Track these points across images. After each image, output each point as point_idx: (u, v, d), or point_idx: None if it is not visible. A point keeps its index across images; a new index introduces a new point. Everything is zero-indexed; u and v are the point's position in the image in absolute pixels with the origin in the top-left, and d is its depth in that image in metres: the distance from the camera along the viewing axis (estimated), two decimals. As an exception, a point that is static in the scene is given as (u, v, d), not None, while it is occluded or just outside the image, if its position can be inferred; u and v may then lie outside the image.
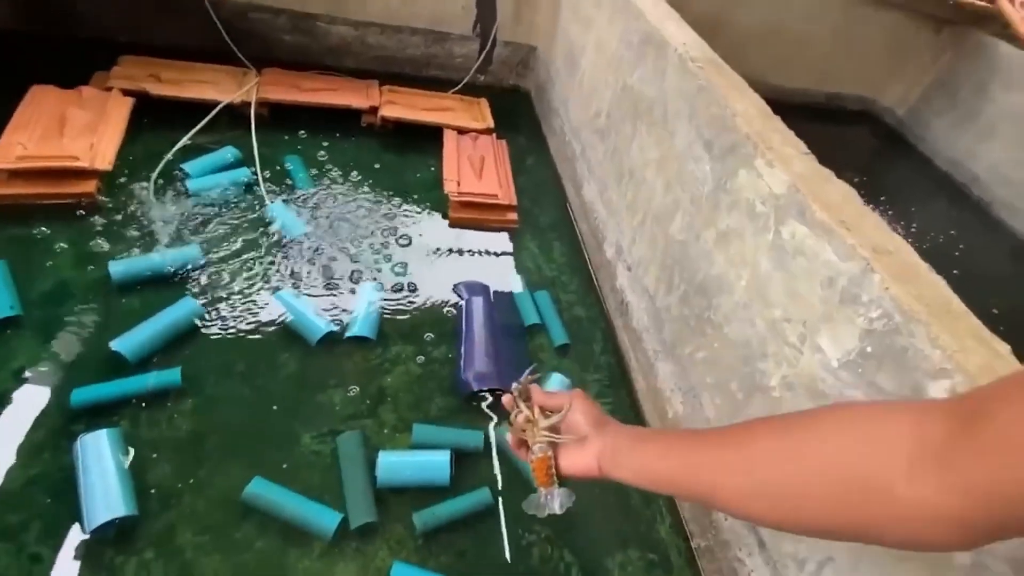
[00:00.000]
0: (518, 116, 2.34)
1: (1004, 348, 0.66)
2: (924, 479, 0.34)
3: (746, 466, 0.43)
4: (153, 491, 1.01)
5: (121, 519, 0.94)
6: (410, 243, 1.64)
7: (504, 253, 1.72)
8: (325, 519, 1.01)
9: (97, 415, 1.08)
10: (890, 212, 2.42)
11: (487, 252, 1.71)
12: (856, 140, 3.00)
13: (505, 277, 1.63)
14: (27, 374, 1.11)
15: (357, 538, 1.03)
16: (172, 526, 0.98)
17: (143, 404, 1.11)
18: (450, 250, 1.67)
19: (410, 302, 1.48)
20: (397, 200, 1.78)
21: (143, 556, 0.94)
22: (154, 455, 1.05)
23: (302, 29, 2.10)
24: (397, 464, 1.11)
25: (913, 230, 2.35)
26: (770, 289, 0.93)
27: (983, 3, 2.50)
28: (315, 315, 1.34)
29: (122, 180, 1.54)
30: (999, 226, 2.46)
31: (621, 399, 1.41)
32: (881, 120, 3.02)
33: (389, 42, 2.20)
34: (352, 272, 1.51)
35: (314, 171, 1.78)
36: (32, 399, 1.08)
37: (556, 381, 1.35)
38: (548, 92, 2.22)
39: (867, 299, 0.74)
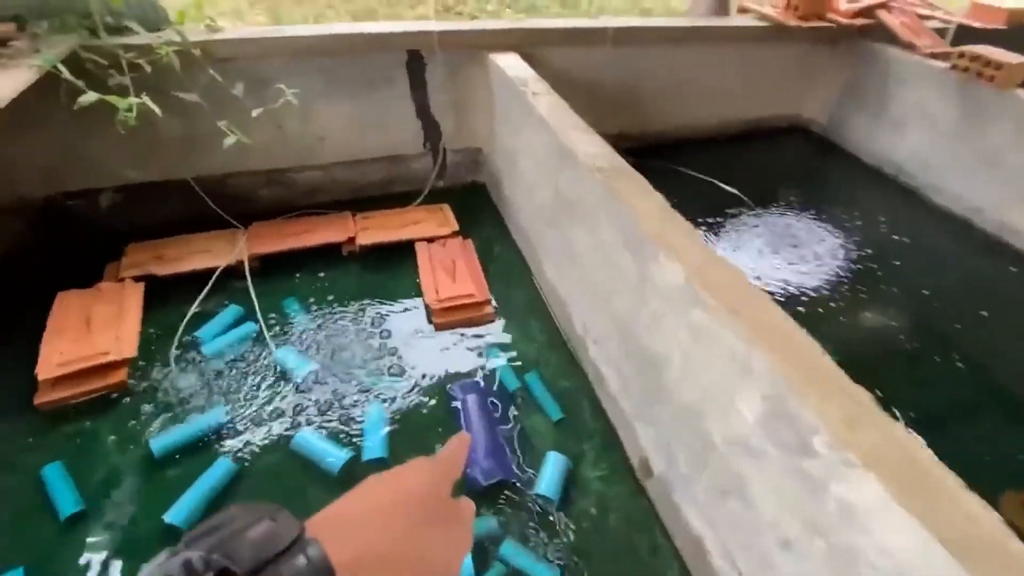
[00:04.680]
0: (479, 208, 2.59)
1: (865, 396, 0.84)
2: None
3: None
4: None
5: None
6: (402, 357, 1.84)
7: (489, 344, 1.92)
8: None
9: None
10: (829, 209, 2.65)
11: (473, 348, 1.90)
12: (792, 150, 3.28)
13: (494, 367, 1.82)
14: (104, 563, 1.28)
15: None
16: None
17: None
18: (441, 349, 1.87)
19: (413, 411, 1.67)
20: (387, 316, 1.99)
21: None
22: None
23: (277, 182, 2.38)
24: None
25: (854, 221, 2.58)
26: (694, 362, 1.11)
27: (867, 20, 2.81)
28: (333, 448, 1.52)
29: (144, 362, 1.76)
30: (926, 205, 2.71)
31: (615, 461, 1.56)
32: (808, 130, 3.31)
33: (354, 174, 2.48)
34: (358, 395, 1.70)
35: (312, 307, 2.01)
36: (108, 582, 1.25)
37: (552, 459, 1.51)
38: (500, 183, 2.49)
39: (757, 369, 0.93)
